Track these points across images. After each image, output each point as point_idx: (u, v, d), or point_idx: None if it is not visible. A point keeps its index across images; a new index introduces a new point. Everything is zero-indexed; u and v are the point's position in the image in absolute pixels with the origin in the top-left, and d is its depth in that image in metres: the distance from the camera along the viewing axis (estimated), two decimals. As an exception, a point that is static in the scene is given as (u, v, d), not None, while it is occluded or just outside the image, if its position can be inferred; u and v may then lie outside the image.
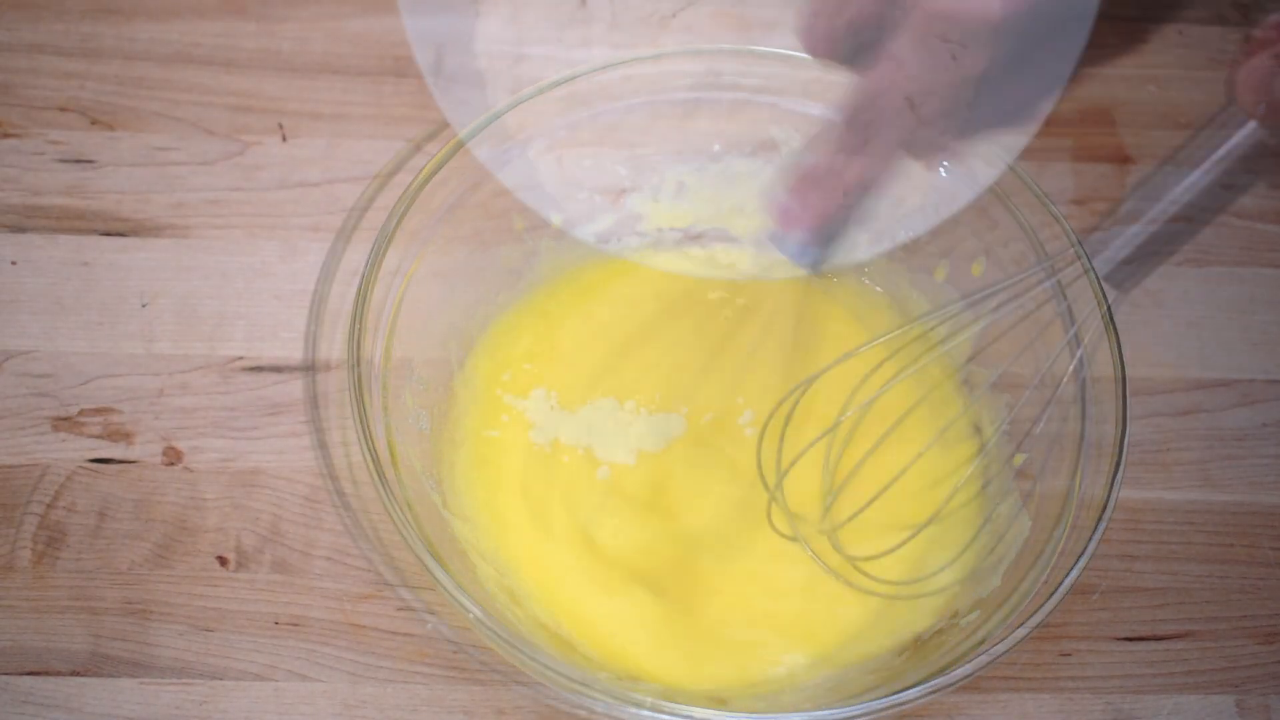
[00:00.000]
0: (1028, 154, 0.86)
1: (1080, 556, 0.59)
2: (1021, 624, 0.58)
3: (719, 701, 0.63)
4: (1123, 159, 0.87)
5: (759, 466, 0.68)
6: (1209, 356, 0.79)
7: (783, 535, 0.67)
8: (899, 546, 0.66)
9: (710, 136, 0.75)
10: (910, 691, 0.56)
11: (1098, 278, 0.59)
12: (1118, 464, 0.61)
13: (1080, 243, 0.59)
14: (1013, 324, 0.66)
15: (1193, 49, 0.92)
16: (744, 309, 0.75)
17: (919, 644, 0.63)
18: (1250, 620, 0.71)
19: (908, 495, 0.70)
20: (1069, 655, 0.70)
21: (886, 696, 0.57)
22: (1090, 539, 0.59)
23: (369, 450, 0.60)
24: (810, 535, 0.68)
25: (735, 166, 0.76)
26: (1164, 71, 0.91)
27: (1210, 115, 0.54)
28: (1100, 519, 0.60)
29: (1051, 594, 0.59)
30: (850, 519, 0.67)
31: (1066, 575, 0.59)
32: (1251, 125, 0.52)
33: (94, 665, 0.67)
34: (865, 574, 0.67)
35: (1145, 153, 0.87)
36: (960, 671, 0.57)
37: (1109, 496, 0.60)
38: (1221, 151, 0.53)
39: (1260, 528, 0.74)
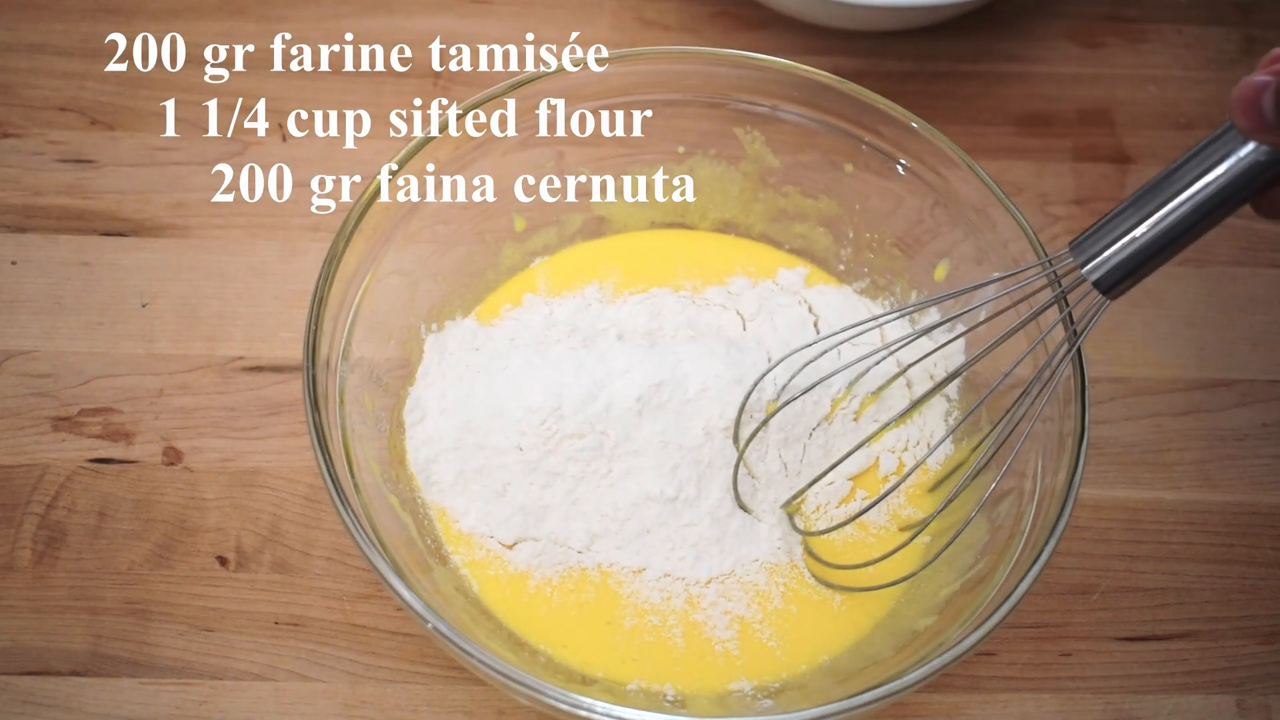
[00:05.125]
0: (1028, 154, 0.87)
1: (1045, 545, 0.60)
2: (990, 620, 0.58)
3: (679, 704, 0.64)
4: (1123, 159, 0.87)
5: (736, 442, 0.68)
6: (1209, 356, 0.79)
7: (745, 511, 0.67)
8: (900, 548, 0.66)
9: (675, 137, 0.75)
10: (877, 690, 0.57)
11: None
12: (1076, 460, 0.61)
13: (1067, 250, 0.59)
14: (1013, 325, 0.66)
15: (1193, 49, 0.92)
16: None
17: (916, 641, 0.63)
18: (1250, 620, 0.71)
19: (908, 496, 0.70)
20: (1069, 655, 0.70)
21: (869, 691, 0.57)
22: (1054, 528, 0.60)
23: (323, 458, 0.60)
24: (807, 539, 0.69)
25: (700, 168, 0.77)
26: (1164, 71, 0.91)
27: (1212, 133, 0.54)
28: (1061, 512, 0.60)
29: (1018, 583, 0.59)
30: (848, 521, 0.67)
31: (1031, 565, 0.59)
32: (1248, 146, 0.53)
33: (94, 665, 0.67)
34: (862, 575, 0.67)
35: (1145, 153, 0.87)
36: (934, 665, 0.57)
37: (1069, 491, 0.61)
38: (1218, 170, 0.54)
39: (1260, 528, 0.74)
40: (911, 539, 0.66)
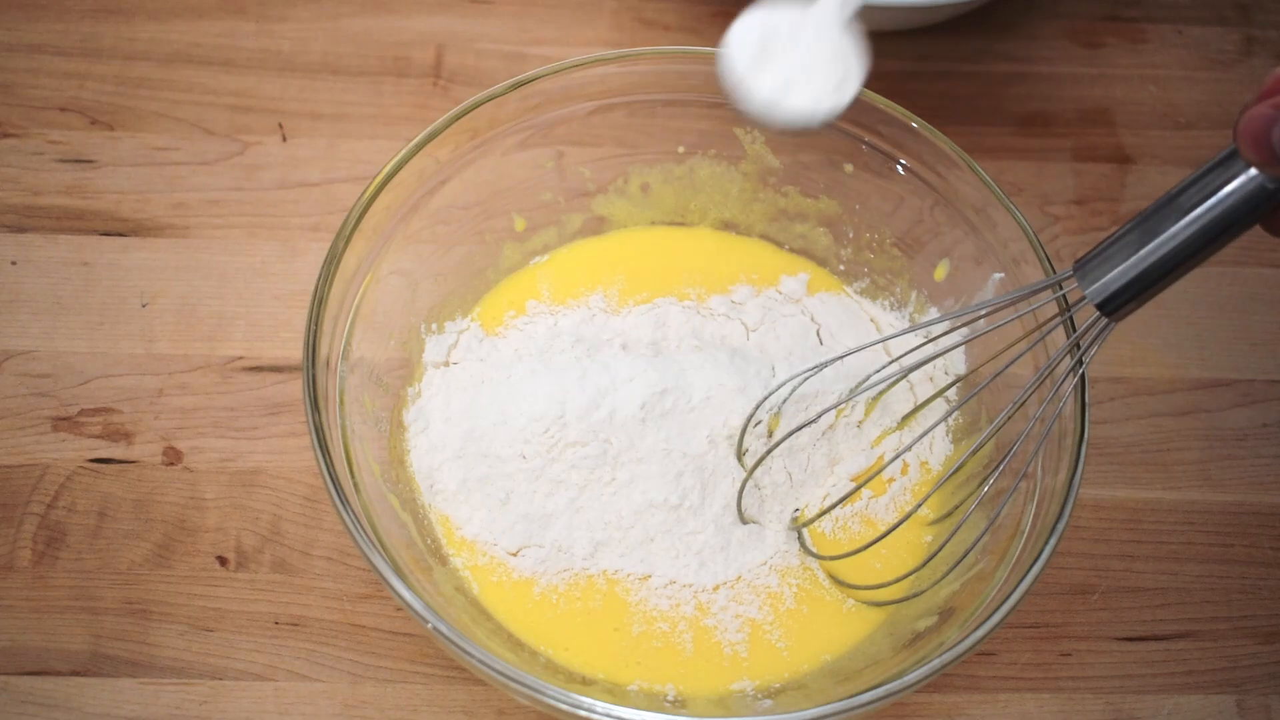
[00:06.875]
0: (1028, 154, 0.87)
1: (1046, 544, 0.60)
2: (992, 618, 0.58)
3: (680, 704, 0.64)
4: (1123, 159, 0.87)
5: (739, 457, 0.68)
6: (1209, 356, 0.79)
7: (751, 523, 0.67)
8: (920, 568, 0.66)
9: (675, 137, 0.75)
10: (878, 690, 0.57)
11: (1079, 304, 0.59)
12: (1076, 462, 0.61)
13: (1070, 273, 0.59)
14: (1016, 329, 0.66)
15: (1193, 49, 0.92)
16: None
17: (917, 641, 0.63)
18: (1250, 620, 0.71)
19: (913, 493, 0.70)
20: (1069, 655, 0.70)
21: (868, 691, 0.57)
22: (1053, 528, 0.60)
23: (323, 458, 0.60)
24: (815, 543, 0.69)
25: (699, 168, 0.76)
26: (1164, 71, 0.91)
27: (1215, 157, 0.54)
28: (1061, 512, 0.60)
29: (1021, 579, 0.59)
30: (865, 547, 0.67)
31: (1031, 565, 0.59)
32: (1253, 170, 0.53)
33: (94, 665, 0.67)
34: (871, 585, 0.67)
35: (1145, 153, 0.87)
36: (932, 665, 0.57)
37: (1069, 491, 0.61)
38: (1222, 194, 0.54)
39: (1260, 528, 0.74)
40: (939, 549, 0.65)
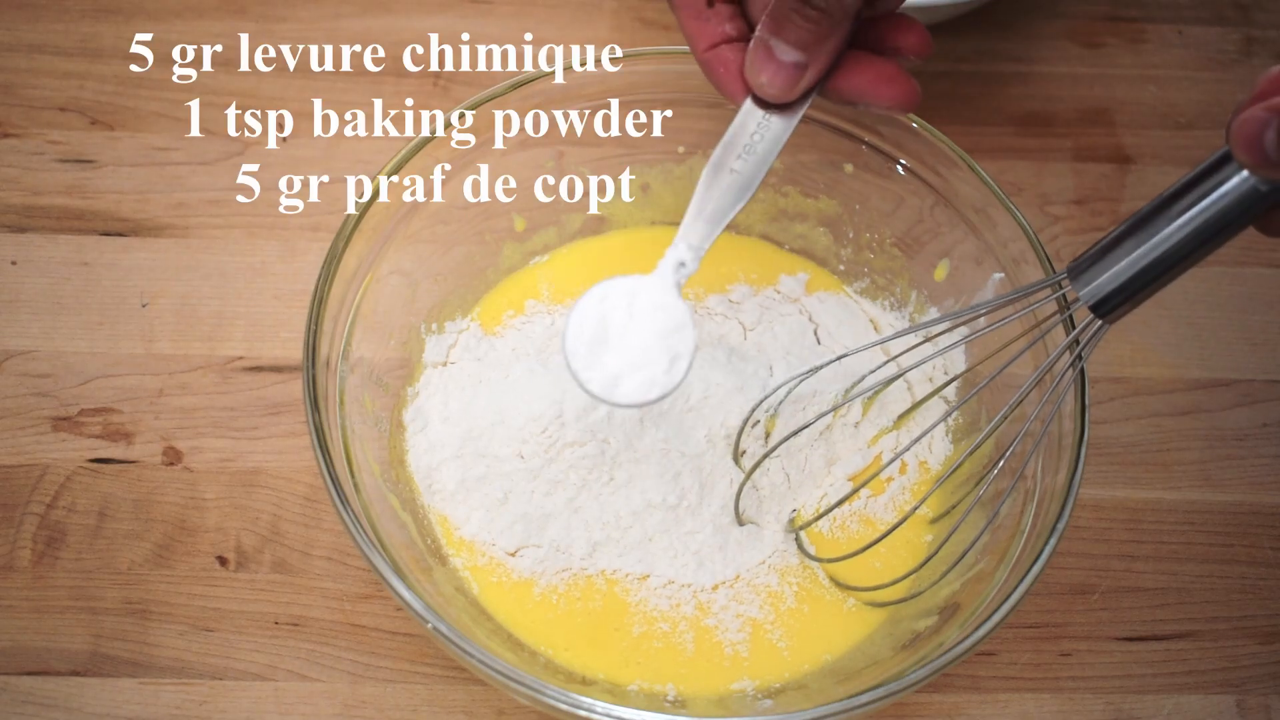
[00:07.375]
0: (1028, 154, 0.87)
1: (1047, 543, 0.60)
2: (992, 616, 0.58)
3: (680, 704, 0.64)
4: (1123, 159, 0.87)
5: (736, 459, 0.68)
6: (1209, 356, 0.79)
7: (744, 519, 0.67)
8: (920, 568, 0.66)
9: (675, 137, 0.75)
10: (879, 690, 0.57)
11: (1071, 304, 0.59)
12: (1076, 462, 0.61)
13: (1066, 274, 0.59)
14: (1014, 328, 0.66)
15: (1193, 49, 0.92)
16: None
17: (917, 641, 0.63)
18: (1250, 620, 0.71)
19: (913, 492, 0.70)
20: (1069, 655, 0.70)
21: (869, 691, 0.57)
22: (1054, 527, 0.60)
23: (324, 458, 0.60)
24: (812, 543, 0.69)
25: (699, 168, 0.76)
26: (1164, 71, 0.91)
27: (1208, 160, 0.54)
28: (1061, 512, 0.60)
29: (1021, 579, 0.59)
30: (865, 549, 0.67)
31: (1031, 565, 0.59)
32: (1246, 173, 0.53)
33: (94, 665, 0.67)
34: (871, 586, 0.67)
35: (1145, 153, 0.87)
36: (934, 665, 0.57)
37: (1069, 491, 0.61)
38: (1215, 195, 0.54)
39: (1260, 528, 0.74)
40: (939, 548, 0.65)
